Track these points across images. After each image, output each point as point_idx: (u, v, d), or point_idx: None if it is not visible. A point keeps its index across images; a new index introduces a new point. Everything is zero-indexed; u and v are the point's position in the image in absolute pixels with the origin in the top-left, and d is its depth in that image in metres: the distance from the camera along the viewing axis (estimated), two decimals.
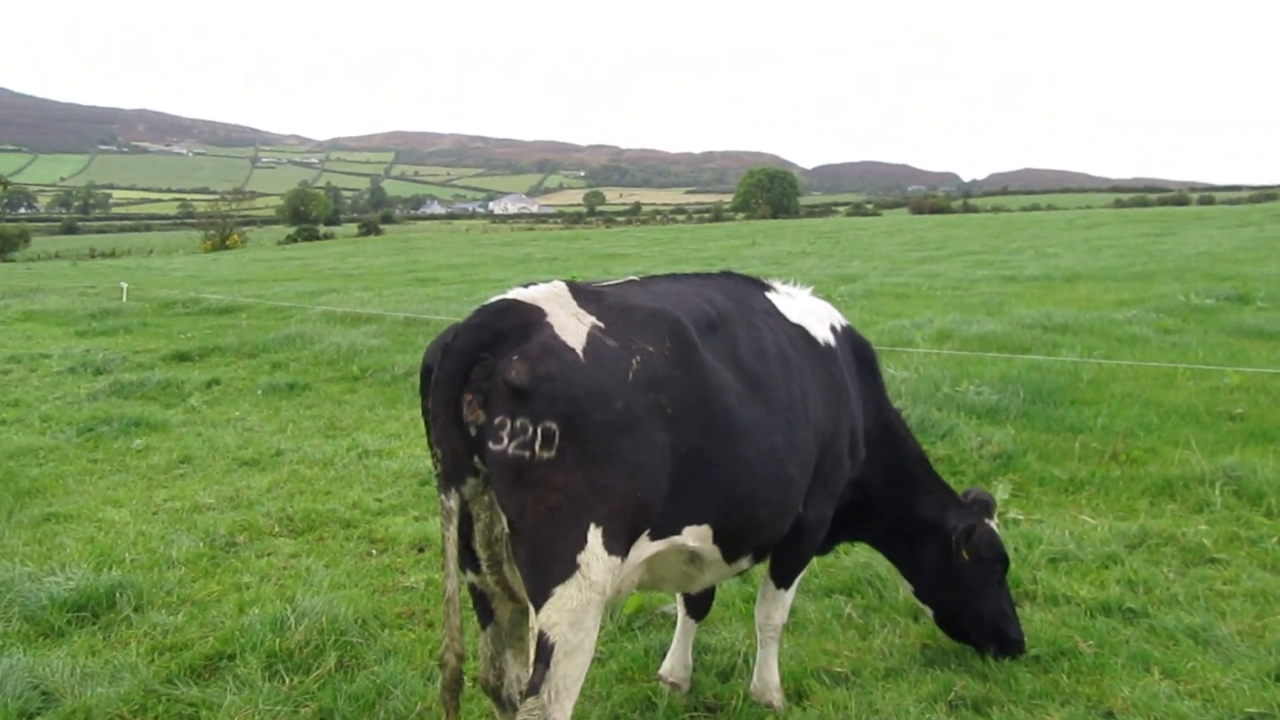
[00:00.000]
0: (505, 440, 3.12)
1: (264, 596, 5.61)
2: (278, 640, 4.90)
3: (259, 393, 11.82)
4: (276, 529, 6.84)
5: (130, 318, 19.57)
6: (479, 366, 3.19)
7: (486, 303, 3.43)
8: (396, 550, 6.45)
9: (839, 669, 4.69)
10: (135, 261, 51.75)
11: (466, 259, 39.53)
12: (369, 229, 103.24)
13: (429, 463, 8.24)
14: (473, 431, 3.18)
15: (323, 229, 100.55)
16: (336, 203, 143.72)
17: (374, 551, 6.44)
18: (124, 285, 23.62)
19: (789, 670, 4.61)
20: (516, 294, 3.44)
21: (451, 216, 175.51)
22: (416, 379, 12.23)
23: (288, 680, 4.60)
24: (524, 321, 3.27)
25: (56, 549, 6.49)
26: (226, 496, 7.62)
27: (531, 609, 3.20)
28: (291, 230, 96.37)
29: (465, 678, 3.37)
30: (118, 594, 5.50)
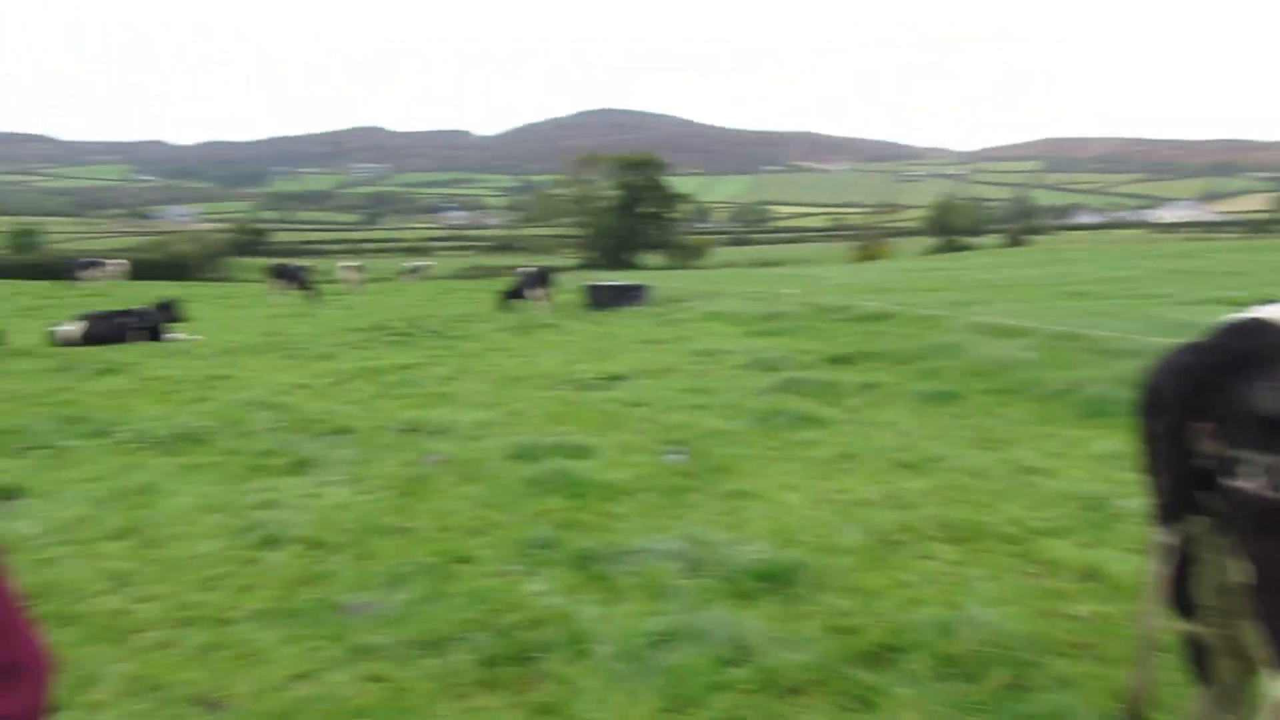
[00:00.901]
0: (1252, 480, 2.72)
1: (927, 598, 5.69)
2: (944, 643, 4.94)
3: (911, 398, 12.13)
4: (935, 533, 6.91)
5: (792, 321, 21.43)
6: (1217, 392, 2.83)
7: (1225, 321, 3.06)
8: (1060, 575, 6.11)
9: None
10: (793, 270, 56.74)
11: (1125, 272, 36.36)
12: (1013, 239, 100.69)
13: (1093, 486, 7.76)
14: (1206, 464, 2.84)
15: (966, 239, 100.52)
16: (980, 213, 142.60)
17: (1036, 572, 6.18)
18: (789, 292, 25.98)
19: None
20: (1264, 312, 2.99)
21: (1105, 226, 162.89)
22: (1073, 396, 11.56)
23: (955, 686, 4.61)
24: (1275, 344, 2.84)
25: (742, 522, 7.30)
26: (886, 495, 7.91)
27: (1271, 676, 2.76)
28: (935, 241, 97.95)
29: None
30: (797, 571, 6.00)
